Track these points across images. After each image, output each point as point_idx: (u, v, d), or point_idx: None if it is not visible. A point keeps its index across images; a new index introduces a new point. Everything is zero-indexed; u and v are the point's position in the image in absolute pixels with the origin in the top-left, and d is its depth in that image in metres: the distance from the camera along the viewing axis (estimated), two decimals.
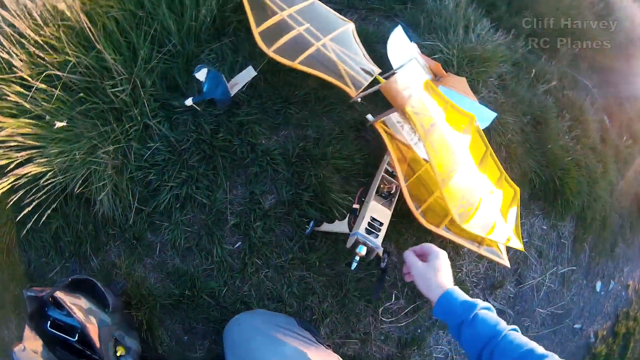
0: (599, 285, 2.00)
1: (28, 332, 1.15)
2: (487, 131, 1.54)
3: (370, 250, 1.09)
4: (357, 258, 1.08)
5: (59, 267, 1.55)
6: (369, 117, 1.39)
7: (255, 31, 1.30)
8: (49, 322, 1.19)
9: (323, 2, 1.55)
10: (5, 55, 1.33)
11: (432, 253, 0.79)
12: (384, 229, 1.16)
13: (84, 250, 1.49)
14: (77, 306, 1.16)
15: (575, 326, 1.90)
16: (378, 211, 1.20)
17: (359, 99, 1.35)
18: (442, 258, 0.78)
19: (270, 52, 1.26)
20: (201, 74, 1.33)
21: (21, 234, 1.53)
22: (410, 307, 1.46)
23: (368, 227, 1.13)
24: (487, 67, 1.62)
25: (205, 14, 1.46)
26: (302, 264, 1.37)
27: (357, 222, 1.17)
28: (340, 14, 1.58)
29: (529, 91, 1.80)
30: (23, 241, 1.56)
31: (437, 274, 0.74)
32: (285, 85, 1.39)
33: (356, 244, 1.09)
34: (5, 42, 1.36)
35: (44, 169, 1.35)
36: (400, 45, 1.47)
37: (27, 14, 1.40)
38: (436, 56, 1.55)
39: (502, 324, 0.64)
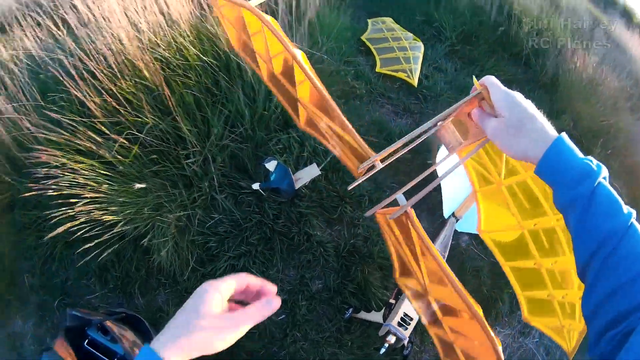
0: None
1: (61, 342, 1.24)
2: None
3: (398, 340, 1.27)
4: (387, 345, 1.27)
5: (100, 294, 1.70)
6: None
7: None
8: (86, 341, 1.28)
9: (385, 102, 1.67)
10: (79, 94, 1.44)
11: (506, 102, 0.48)
12: (413, 323, 1.34)
13: (131, 288, 1.65)
14: (124, 337, 1.30)
15: None
16: (411, 308, 1.37)
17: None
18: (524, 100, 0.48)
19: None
20: (271, 165, 1.48)
21: (59, 249, 1.66)
22: None
23: (400, 321, 1.31)
24: None
25: (276, 105, 1.59)
26: (336, 342, 1.55)
27: (391, 315, 1.34)
28: (397, 115, 1.70)
29: None
30: (64, 258, 1.68)
31: (529, 123, 0.47)
32: (343, 185, 1.54)
33: (387, 333, 1.28)
34: (80, 83, 1.47)
35: (112, 218, 1.49)
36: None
37: (102, 59, 1.51)
38: None
39: (623, 205, 0.43)
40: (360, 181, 0.64)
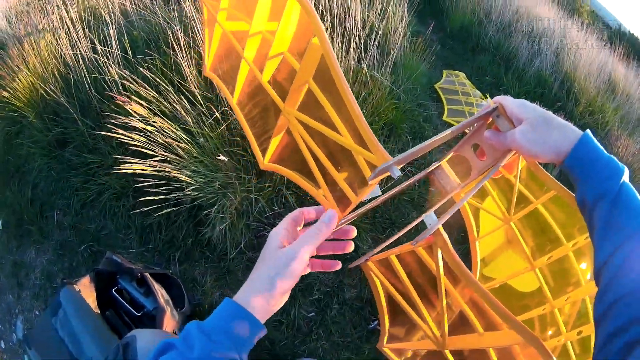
0: None
1: (86, 282, 1.23)
2: None
3: None
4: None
5: (136, 251, 1.76)
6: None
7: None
8: (114, 288, 1.29)
9: (445, 149, 1.89)
10: (179, 58, 1.52)
11: (524, 107, 0.49)
12: None
13: (171, 253, 1.73)
14: (160, 293, 1.36)
15: None
16: None
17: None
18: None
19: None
20: None
21: (105, 198, 1.70)
22: None
23: None
24: None
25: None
26: (354, 348, 1.69)
27: None
28: None
29: None
30: (106, 208, 1.73)
31: (555, 119, 0.48)
32: (396, 211, 1.72)
33: None
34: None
35: (187, 179, 1.56)
36: None
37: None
38: None
39: None
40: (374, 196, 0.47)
